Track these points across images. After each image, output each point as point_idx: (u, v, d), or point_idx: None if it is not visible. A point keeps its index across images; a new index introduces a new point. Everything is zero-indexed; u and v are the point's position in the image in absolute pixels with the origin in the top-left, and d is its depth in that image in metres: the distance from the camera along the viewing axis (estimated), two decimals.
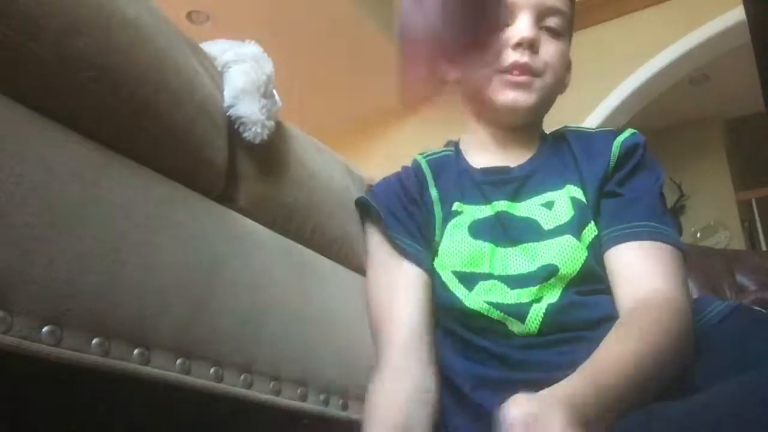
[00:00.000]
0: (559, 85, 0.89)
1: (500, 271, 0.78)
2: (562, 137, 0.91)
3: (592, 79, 3.30)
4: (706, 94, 4.75)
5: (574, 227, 0.79)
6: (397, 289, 0.81)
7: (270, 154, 0.77)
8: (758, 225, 4.56)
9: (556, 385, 0.58)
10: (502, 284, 0.77)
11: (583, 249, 0.78)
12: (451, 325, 0.79)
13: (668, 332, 0.67)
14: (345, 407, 0.79)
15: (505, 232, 0.81)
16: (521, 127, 0.90)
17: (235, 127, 0.71)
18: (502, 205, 0.83)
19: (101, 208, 0.55)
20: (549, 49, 0.85)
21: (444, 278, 0.80)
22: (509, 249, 0.80)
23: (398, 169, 0.96)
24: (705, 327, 0.74)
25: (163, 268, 0.59)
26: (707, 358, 0.68)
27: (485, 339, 0.75)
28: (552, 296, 0.76)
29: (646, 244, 0.76)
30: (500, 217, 0.82)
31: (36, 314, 0.48)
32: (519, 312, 0.74)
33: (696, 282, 1.57)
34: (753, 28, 0.74)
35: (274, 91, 0.77)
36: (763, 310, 0.78)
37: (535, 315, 0.74)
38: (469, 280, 0.78)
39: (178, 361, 0.59)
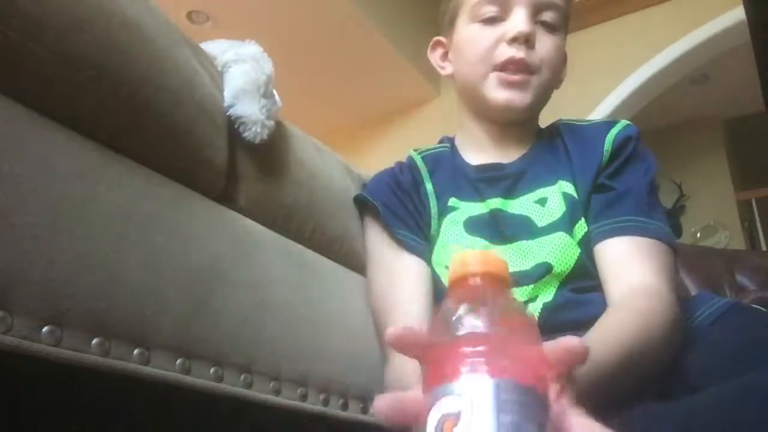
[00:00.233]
0: (555, 81, 0.89)
1: None
2: (556, 131, 0.90)
3: (592, 79, 3.30)
4: (706, 94, 4.75)
5: (566, 224, 0.79)
6: (398, 281, 0.81)
7: (270, 154, 0.77)
8: (758, 225, 4.56)
9: None
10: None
11: (575, 246, 0.78)
12: None
13: (654, 321, 0.66)
14: (345, 407, 0.79)
15: (499, 229, 0.81)
16: (517, 123, 0.89)
17: (235, 127, 0.71)
18: (496, 203, 0.83)
19: (101, 208, 0.55)
20: (545, 44, 0.85)
21: (440, 274, 0.80)
22: (504, 247, 0.80)
23: (393, 165, 0.96)
24: (702, 325, 0.74)
25: (163, 268, 0.59)
26: (703, 357, 0.68)
27: None
28: (547, 295, 0.76)
29: (633, 239, 0.76)
30: (494, 215, 0.82)
31: (36, 314, 0.48)
32: None
33: (696, 282, 1.57)
34: (753, 28, 0.74)
35: (274, 91, 0.77)
36: (761, 308, 0.78)
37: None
38: None
39: (178, 361, 0.59)
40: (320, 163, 0.88)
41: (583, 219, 0.80)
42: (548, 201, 0.82)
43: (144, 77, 0.60)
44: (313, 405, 0.74)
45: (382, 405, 0.41)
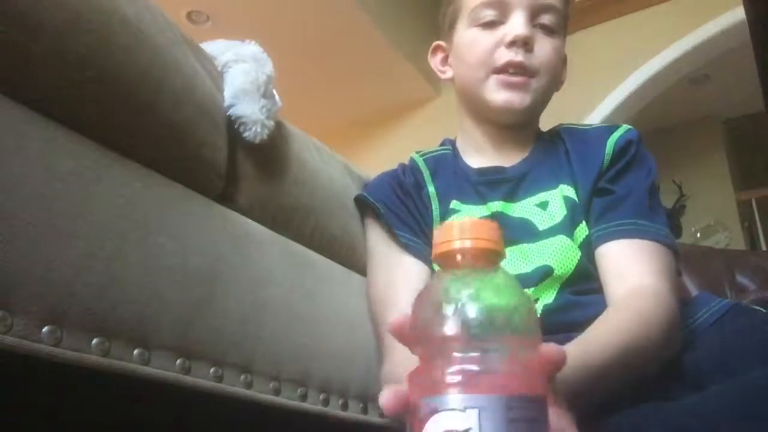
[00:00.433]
0: (555, 83, 0.89)
1: None
2: (557, 135, 0.91)
3: (591, 79, 3.30)
4: (706, 94, 4.75)
5: (567, 227, 0.79)
6: (397, 281, 0.81)
7: (270, 154, 0.77)
8: (758, 225, 4.57)
9: None
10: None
11: (576, 249, 0.78)
12: None
13: (653, 321, 0.67)
14: (345, 407, 0.79)
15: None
16: (517, 126, 0.89)
17: (235, 127, 0.71)
18: (497, 206, 0.83)
19: (101, 208, 0.55)
20: (544, 47, 0.85)
21: None
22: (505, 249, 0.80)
23: (395, 167, 0.96)
24: (702, 326, 0.74)
25: (163, 268, 0.59)
26: (703, 357, 0.68)
27: None
28: (548, 297, 0.76)
29: (633, 242, 0.76)
30: (496, 218, 0.82)
31: (36, 314, 0.48)
32: None
33: (696, 282, 1.57)
34: (753, 28, 0.74)
35: (274, 91, 0.77)
36: (761, 309, 0.78)
37: None
38: None
39: (178, 361, 0.59)
40: (320, 163, 0.88)
41: (584, 222, 0.80)
42: (549, 204, 0.82)
43: (144, 77, 0.60)
44: (313, 405, 0.74)
45: (388, 396, 0.39)
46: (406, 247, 0.82)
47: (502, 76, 0.84)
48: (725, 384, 0.50)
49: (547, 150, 0.89)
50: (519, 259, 0.79)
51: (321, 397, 0.75)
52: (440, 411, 0.34)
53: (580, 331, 0.72)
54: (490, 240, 0.39)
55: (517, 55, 0.83)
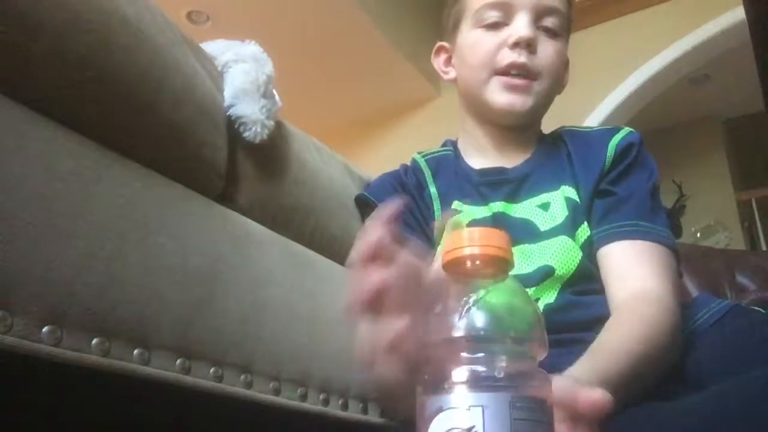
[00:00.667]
0: (557, 86, 0.89)
1: None
2: (559, 138, 0.91)
3: (592, 79, 3.30)
4: (706, 94, 4.75)
5: (569, 228, 0.79)
6: None
7: (270, 154, 0.77)
8: (758, 225, 4.57)
9: (571, 372, 0.57)
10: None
11: (577, 249, 0.78)
12: None
13: (659, 328, 0.67)
14: (345, 407, 0.79)
15: None
16: (518, 128, 0.90)
17: (235, 127, 0.71)
18: (499, 207, 0.83)
19: (101, 207, 0.55)
20: (547, 50, 0.85)
21: None
22: None
23: (397, 167, 0.96)
24: (701, 326, 0.74)
25: (163, 268, 0.59)
26: (703, 358, 0.68)
27: None
28: (549, 297, 0.76)
29: (635, 243, 0.76)
30: (497, 219, 0.82)
31: (36, 314, 0.48)
32: None
33: (696, 282, 1.57)
34: (753, 28, 0.74)
35: (274, 91, 0.77)
36: (761, 310, 0.78)
37: None
38: None
39: (178, 361, 0.59)
40: (320, 163, 0.88)
41: (585, 223, 0.80)
42: (551, 205, 0.82)
43: (144, 77, 0.60)
44: (313, 405, 0.74)
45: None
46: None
47: (504, 78, 0.84)
48: (725, 384, 0.50)
49: (549, 152, 0.89)
50: (520, 260, 0.79)
51: (321, 397, 0.75)
52: (445, 409, 0.35)
53: (581, 331, 0.72)
54: (500, 248, 0.40)
55: (520, 57, 0.83)
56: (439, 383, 0.36)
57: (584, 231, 0.80)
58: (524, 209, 0.83)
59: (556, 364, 0.70)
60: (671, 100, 4.23)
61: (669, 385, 0.65)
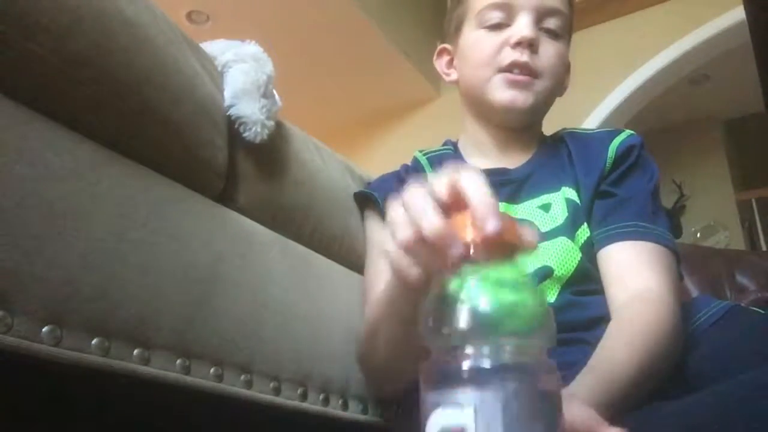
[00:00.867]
0: (558, 87, 0.89)
1: None
2: (560, 139, 0.91)
3: (592, 79, 3.30)
4: (706, 94, 4.75)
5: (568, 229, 0.80)
6: (386, 270, 0.81)
7: (270, 154, 0.77)
8: (758, 225, 4.57)
9: (577, 388, 0.58)
10: None
11: (576, 250, 0.78)
12: None
13: (661, 331, 0.67)
14: (345, 407, 0.79)
15: None
16: (520, 128, 0.90)
17: (235, 127, 0.71)
18: (500, 207, 0.83)
19: (101, 207, 0.55)
20: (548, 50, 0.86)
21: None
22: None
23: (398, 168, 0.96)
24: (701, 327, 0.74)
25: (163, 268, 0.59)
26: (702, 358, 0.68)
27: None
28: (549, 297, 0.76)
29: (636, 244, 0.76)
30: None
31: (36, 314, 0.48)
32: None
33: (696, 282, 1.57)
34: (753, 28, 0.74)
35: (274, 91, 0.77)
36: (760, 311, 0.78)
37: None
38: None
39: (178, 361, 0.59)
40: (320, 163, 0.88)
41: (585, 224, 0.80)
42: (552, 207, 0.82)
43: (144, 77, 0.60)
44: (313, 405, 0.74)
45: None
46: None
47: (506, 75, 0.84)
48: (725, 384, 0.50)
49: (550, 153, 0.89)
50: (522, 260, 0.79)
51: (321, 397, 0.75)
52: (440, 406, 0.34)
53: (581, 331, 0.73)
54: (504, 232, 0.37)
55: (522, 56, 0.84)
56: (436, 378, 0.35)
57: (584, 232, 0.80)
58: (525, 210, 0.83)
59: (559, 364, 0.70)
60: (671, 100, 4.23)
61: (669, 385, 0.65)
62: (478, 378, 0.34)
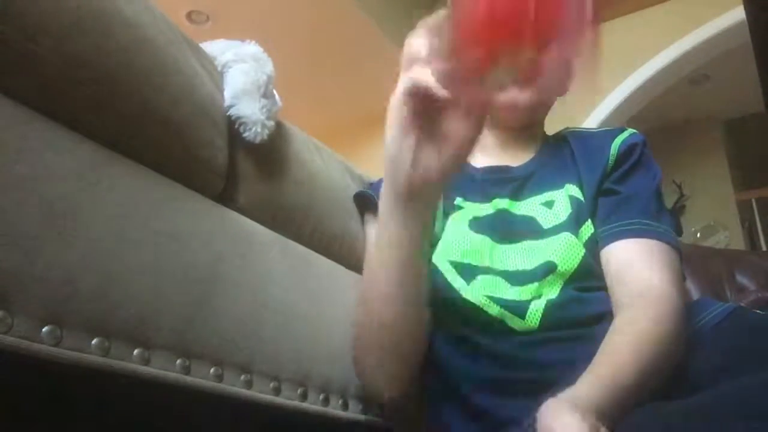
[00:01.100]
0: (559, 87, 0.89)
1: (499, 265, 0.78)
2: (562, 138, 0.91)
3: None
4: (706, 94, 4.75)
5: (572, 225, 0.80)
6: None
7: (270, 154, 0.77)
8: (758, 225, 4.57)
9: (579, 389, 0.58)
10: (503, 280, 0.77)
11: (580, 246, 0.78)
12: (449, 323, 0.79)
13: (666, 330, 0.67)
14: (345, 407, 0.79)
15: (505, 229, 0.81)
16: (521, 127, 0.90)
17: (235, 127, 0.71)
18: (503, 203, 0.84)
19: (101, 207, 0.55)
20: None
21: (441, 268, 0.80)
22: (509, 246, 0.80)
23: None
24: (704, 328, 0.74)
25: (163, 268, 0.59)
26: (704, 359, 0.68)
27: (484, 337, 0.75)
28: (551, 293, 0.76)
29: (641, 241, 0.76)
30: (501, 215, 0.82)
31: (36, 314, 0.48)
32: (519, 308, 0.74)
33: (696, 282, 1.57)
34: (753, 28, 0.74)
35: (274, 91, 0.77)
36: (761, 312, 0.78)
37: (535, 311, 0.74)
38: (467, 271, 0.78)
39: (178, 361, 0.59)
40: (320, 163, 0.88)
41: (589, 221, 0.81)
42: (555, 204, 0.82)
43: (143, 77, 0.60)
44: (313, 405, 0.74)
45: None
46: None
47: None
48: (727, 385, 0.50)
49: (553, 151, 0.90)
50: (523, 256, 0.79)
51: (321, 397, 0.75)
52: None
53: (583, 327, 0.73)
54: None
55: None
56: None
57: (588, 229, 0.80)
58: (528, 207, 0.83)
59: (556, 361, 0.70)
60: (671, 100, 4.23)
61: (670, 386, 0.65)
62: None
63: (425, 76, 0.53)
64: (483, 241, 0.80)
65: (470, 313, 0.76)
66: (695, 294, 1.50)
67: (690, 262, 1.57)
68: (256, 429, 0.77)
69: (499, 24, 0.39)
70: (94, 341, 0.52)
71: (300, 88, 3.52)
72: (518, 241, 0.80)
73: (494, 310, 0.75)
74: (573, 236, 0.79)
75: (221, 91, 0.72)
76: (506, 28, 0.39)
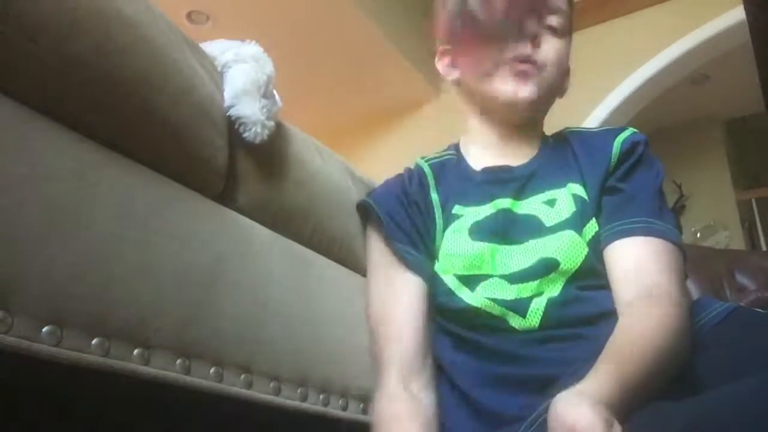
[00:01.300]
0: (559, 84, 0.89)
1: (502, 270, 0.78)
2: (563, 138, 0.91)
3: (592, 79, 3.30)
4: (706, 94, 4.74)
5: (576, 223, 0.79)
6: (395, 300, 0.81)
7: (270, 155, 0.77)
8: (758, 225, 4.56)
9: (589, 384, 0.58)
10: (503, 281, 0.77)
11: (583, 244, 0.78)
12: (452, 325, 0.79)
13: (671, 329, 0.67)
14: (345, 407, 0.79)
15: (506, 229, 0.81)
16: (521, 125, 0.90)
17: (235, 127, 0.71)
18: (504, 203, 0.83)
19: (101, 208, 0.55)
20: (550, 46, 0.86)
21: (447, 282, 0.80)
22: (511, 247, 0.80)
23: (399, 169, 0.96)
24: (704, 328, 0.74)
25: (163, 268, 0.59)
26: (705, 358, 0.68)
27: (486, 336, 0.75)
28: (553, 290, 0.76)
29: (644, 240, 0.76)
30: (502, 215, 0.82)
31: (36, 314, 0.48)
32: (520, 306, 0.74)
33: (696, 282, 1.57)
34: (753, 28, 0.74)
35: (274, 91, 0.77)
36: (762, 312, 0.78)
37: (536, 309, 0.74)
38: (471, 282, 0.79)
39: (178, 361, 0.59)
40: (320, 163, 0.88)
41: (593, 219, 0.80)
42: (557, 202, 0.82)
43: (143, 77, 0.60)
44: (313, 405, 0.74)
45: None
46: (406, 263, 0.83)
47: (510, 66, 0.85)
48: (728, 385, 0.50)
49: (554, 151, 0.89)
50: (525, 255, 0.79)
51: (321, 397, 0.75)
52: None
53: (585, 326, 0.72)
54: None
55: (525, 49, 0.84)
56: None
57: (592, 227, 0.80)
58: (530, 205, 0.83)
59: (559, 359, 0.70)
60: (671, 100, 4.22)
61: (672, 385, 0.65)
62: None
63: None
64: (484, 248, 0.80)
65: (473, 316, 0.76)
66: (695, 294, 1.50)
67: (690, 261, 1.57)
68: (256, 429, 0.77)
69: None
70: (94, 341, 0.52)
71: (300, 88, 3.52)
72: (521, 243, 0.80)
73: (496, 310, 0.75)
74: (576, 234, 0.79)
75: (221, 91, 0.72)
76: None
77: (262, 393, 0.67)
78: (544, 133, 0.94)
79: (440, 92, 3.86)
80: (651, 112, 3.91)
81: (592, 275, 0.77)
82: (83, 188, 0.54)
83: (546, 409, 0.54)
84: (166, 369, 0.58)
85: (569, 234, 0.78)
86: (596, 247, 0.79)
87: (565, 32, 0.88)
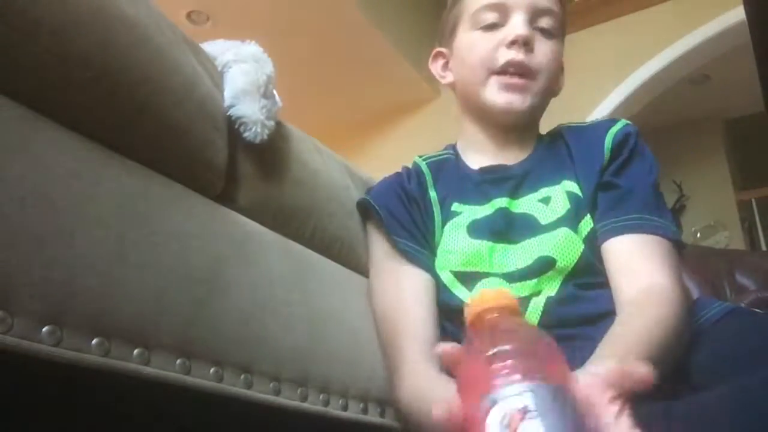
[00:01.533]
0: (553, 86, 0.89)
1: (499, 268, 0.78)
2: (558, 135, 0.91)
3: (591, 79, 3.30)
4: (706, 94, 4.75)
5: (571, 220, 0.80)
6: (406, 299, 0.81)
7: (270, 154, 0.77)
8: (758, 225, 4.57)
9: (589, 363, 0.58)
10: (502, 280, 0.77)
11: (579, 241, 0.78)
12: (449, 323, 0.79)
13: (668, 325, 0.67)
14: (345, 407, 0.79)
15: (504, 229, 0.81)
16: (517, 128, 0.90)
17: (235, 127, 0.71)
18: (501, 203, 0.84)
19: (101, 207, 0.55)
20: (543, 49, 0.86)
21: (444, 279, 0.80)
22: (508, 246, 0.80)
23: (398, 168, 0.96)
24: (702, 326, 0.74)
25: (163, 268, 0.59)
26: (704, 357, 0.68)
27: None
28: (551, 289, 0.76)
29: (641, 236, 0.76)
30: (500, 214, 0.82)
31: (36, 314, 0.48)
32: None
33: (696, 282, 1.57)
34: (753, 28, 0.74)
35: (275, 91, 0.77)
36: (760, 312, 0.78)
37: (535, 308, 0.74)
38: (469, 279, 0.79)
39: (178, 361, 0.59)
40: (320, 163, 0.88)
41: (588, 216, 0.80)
42: (552, 199, 0.82)
43: (143, 77, 0.60)
44: (313, 405, 0.74)
45: (441, 413, 0.44)
46: (408, 257, 0.83)
47: (502, 78, 0.85)
48: (727, 384, 0.50)
49: (549, 149, 0.90)
50: (522, 254, 0.79)
51: (321, 397, 0.75)
52: (498, 402, 0.42)
53: (584, 326, 0.73)
54: (506, 298, 0.51)
55: (517, 54, 0.84)
56: (486, 386, 0.43)
57: (587, 224, 0.80)
58: (525, 204, 0.83)
59: None
60: (671, 100, 4.23)
61: (669, 384, 0.65)
62: (523, 372, 0.43)
63: None
64: (482, 246, 0.80)
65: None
66: (695, 294, 1.50)
67: (690, 261, 1.57)
68: (256, 429, 0.77)
69: None
70: (94, 341, 0.52)
71: (300, 89, 3.52)
72: (518, 241, 0.80)
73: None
74: (572, 231, 0.79)
75: (221, 91, 0.72)
76: None
77: (262, 393, 0.67)
78: (539, 132, 0.95)
79: (440, 92, 3.86)
80: (651, 112, 3.92)
81: (589, 273, 0.77)
82: (83, 188, 0.54)
83: None
84: (166, 369, 0.58)
85: (564, 231, 0.78)
86: (592, 243, 0.79)
87: (557, 34, 0.88)
